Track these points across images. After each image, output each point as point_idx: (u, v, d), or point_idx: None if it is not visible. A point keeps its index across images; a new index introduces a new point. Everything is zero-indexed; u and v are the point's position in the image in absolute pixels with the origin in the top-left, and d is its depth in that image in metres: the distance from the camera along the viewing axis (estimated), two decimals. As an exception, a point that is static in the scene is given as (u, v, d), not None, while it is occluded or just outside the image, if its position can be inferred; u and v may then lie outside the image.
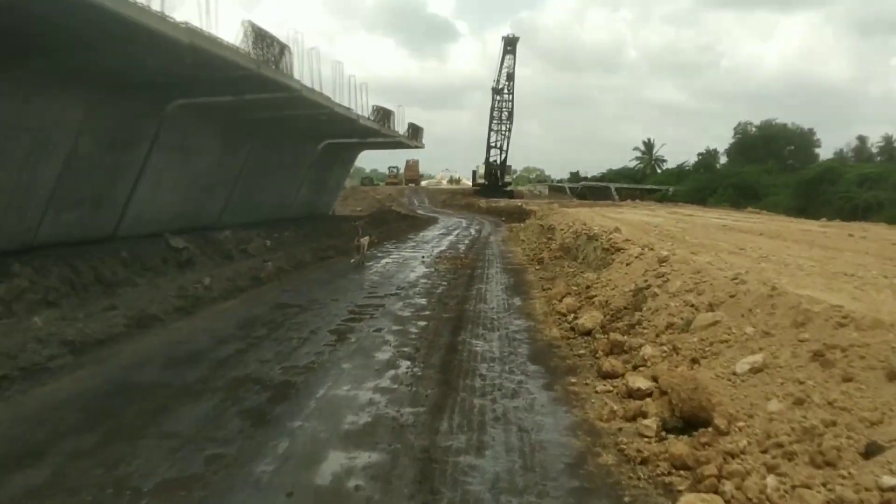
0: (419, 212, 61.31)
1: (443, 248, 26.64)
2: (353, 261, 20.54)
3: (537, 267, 20.07)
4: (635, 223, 26.89)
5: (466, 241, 29.85)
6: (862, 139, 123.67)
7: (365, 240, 21.33)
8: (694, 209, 57.81)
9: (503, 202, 66.54)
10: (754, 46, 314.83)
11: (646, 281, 11.50)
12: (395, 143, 42.38)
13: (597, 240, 17.47)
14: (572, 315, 12.15)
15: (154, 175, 24.87)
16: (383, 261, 21.75)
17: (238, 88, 23.56)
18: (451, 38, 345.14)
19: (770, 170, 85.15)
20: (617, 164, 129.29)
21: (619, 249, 15.06)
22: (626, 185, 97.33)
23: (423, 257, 22.87)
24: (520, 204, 56.39)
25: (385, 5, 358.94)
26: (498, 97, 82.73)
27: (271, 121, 30.73)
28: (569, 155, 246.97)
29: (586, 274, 15.08)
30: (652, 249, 14.15)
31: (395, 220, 40.14)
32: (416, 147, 45.53)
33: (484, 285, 16.67)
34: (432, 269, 19.61)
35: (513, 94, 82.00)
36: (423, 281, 17.29)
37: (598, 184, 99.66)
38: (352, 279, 17.41)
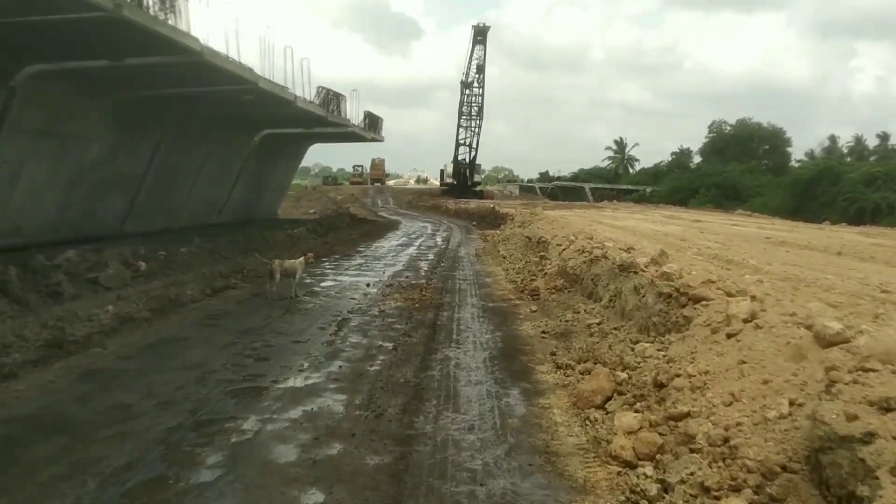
0: (381, 214, 54.26)
1: (399, 267, 19.66)
2: (271, 287, 13.68)
3: (532, 307, 13.18)
4: (649, 234, 20.14)
5: (430, 257, 22.88)
6: (833, 139, 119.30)
7: (295, 261, 14.32)
8: (680, 211, 51.55)
9: (473, 203, 59.61)
10: (718, 47, 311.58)
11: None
12: (349, 135, 35.31)
13: (637, 274, 10.54)
14: (654, 471, 5.34)
15: (8, 169, 17.69)
16: (313, 289, 14.69)
17: (113, 47, 16.41)
18: (417, 37, 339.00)
19: (752, 169, 79.39)
20: (584, 164, 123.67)
21: (696, 300, 8.16)
22: (600, 186, 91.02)
23: (368, 285, 15.87)
24: (491, 206, 49.58)
25: (349, 2, 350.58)
26: (467, 91, 75.78)
27: (184, 101, 23.53)
28: (536, 155, 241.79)
29: (641, 345, 8.17)
30: (756, 300, 7.35)
31: (348, 227, 33.04)
32: (375, 140, 38.51)
33: (454, 352, 9.71)
34: (375, 312, 12.62)
35: (483, 87, 75.11)
36: (351, 341, 10.29)
37: (572, 184, 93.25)
38: (223, 346, 10.26)
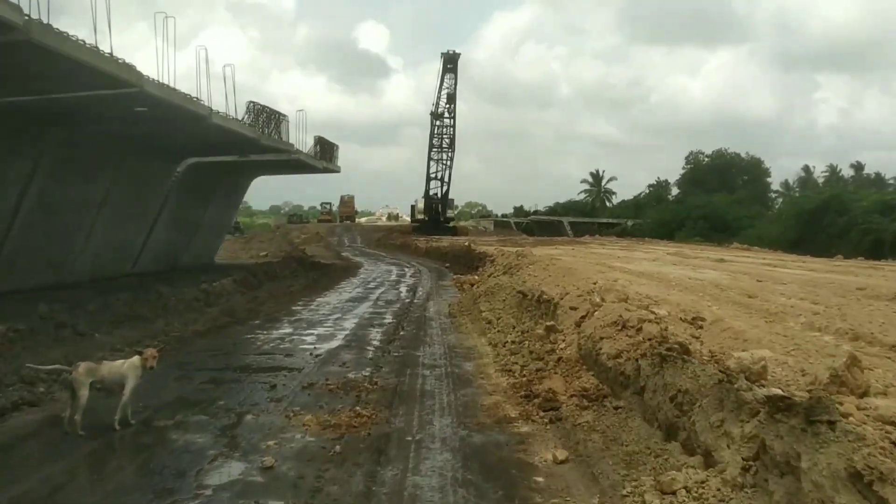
0: (344, 255, 47.75)
1: (337, 342, 13.17)
2: (72, 414, 7.27)
3: (557, 451, 6.69)
4: (692, 286, 13.84)
5: (388, 319, 16.42)
6: (807, 169, 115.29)
7: (121, 364, 7.80)
8: (678, 246, 45.72)
9: (446, 241, 53.30)
10: (683, 81, 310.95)
11: None
12: (295, 164, 28.89)
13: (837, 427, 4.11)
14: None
15: None
16: (167, 402, 8.22)
17: None
18: (384, 75, 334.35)
19: (740, 199, 74.11)
20: (557, 198, 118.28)
21: None
22: (579, 220, 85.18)
23: (272, 387, 9.35)
24: (466, 243, 43.39)
25: (315, 41, 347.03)
26: (438, 122, 70.09)
27: (56, 115, 17.08)
28: (508, 189, 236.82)
29: None
30: None
31: (293, 274, 26.53)
32: (328, 170, 32.12)
33: None
34: (250, 472, 6.17)
35: (454, 117, 69.45)
36: None
37: (549, 218, 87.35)
38: None
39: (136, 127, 20.06)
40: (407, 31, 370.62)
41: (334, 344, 12.87)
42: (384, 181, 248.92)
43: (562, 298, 12.44)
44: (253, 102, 23.45)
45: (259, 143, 22.75)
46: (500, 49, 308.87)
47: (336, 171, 33.02)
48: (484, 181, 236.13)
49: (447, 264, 35.83)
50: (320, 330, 14.62)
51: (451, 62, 67.82)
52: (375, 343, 12.99)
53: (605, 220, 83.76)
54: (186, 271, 27.80)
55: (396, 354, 11.86)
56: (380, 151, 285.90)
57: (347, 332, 14.41)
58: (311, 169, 30.70)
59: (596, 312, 10.43)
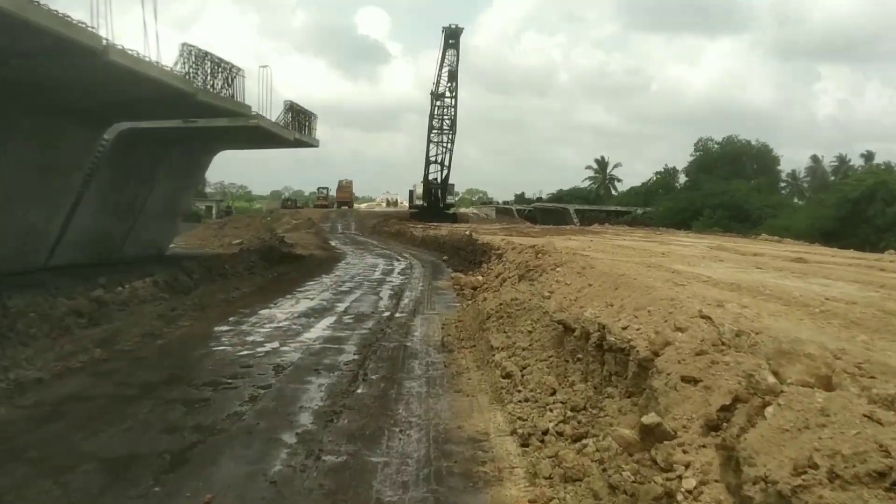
0: (332, 243, 41.59)
1: (235, 420, 7.07)
2: None
3: None
4: (843, 313, 7.72)
5: (345, 359, 10.16)
6: (816, 159, 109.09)
7: None
8: (699, 237, 39.69)
9: (445, 228, 47.20)
10: (683, 70, 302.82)
11: None
12: (262, 135, 22.65)
13: None
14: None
15: None
16: None
17: None
18: (384, 61, 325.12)
19: (760, 187, 67.92)
20: (556, 186, 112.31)
21: None
22: (585, 207, 78.91)
23: None
24: (467, 232, 37.30)
25: (313, 25, 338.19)
26: (438, 103, 63.80)
27: None
28: (507, 177, 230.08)
29: None
30: None
31: (248, 271, 20.35)
32: (302, 143, 25.91)
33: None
34: None
35: (456, 96, 63.16)
36: None
37: (554, 205, 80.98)
38: None
39: (18, 72, 13.91)
40: (407, 17, 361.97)
41: (230, 425, 6.75)
42: (385, 167, 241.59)
43: (658, 351, 6.27)
44: (190, 45, 17.27)
45: (194, 97, 16.51)
46: (499, 36, 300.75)
47: (313, 144, 26.82)
48: (483, 169, 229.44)
49: (445, 257, 29.69)
50: (226, 379, 8.50)
51: (452, 37, 61.44)
52: (302, 425, 6.85)
53: (613, 208, 77.54)
54: (126, 264, 21.71)
55: (331, 462, 5.76)
56: (380, 137, 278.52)
57: (270, 386, 8.28)
58: (282, 141, 24.47)
59: (770, 411, 4.30)
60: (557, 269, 14.12)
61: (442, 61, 61.91)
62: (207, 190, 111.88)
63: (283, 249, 28.79)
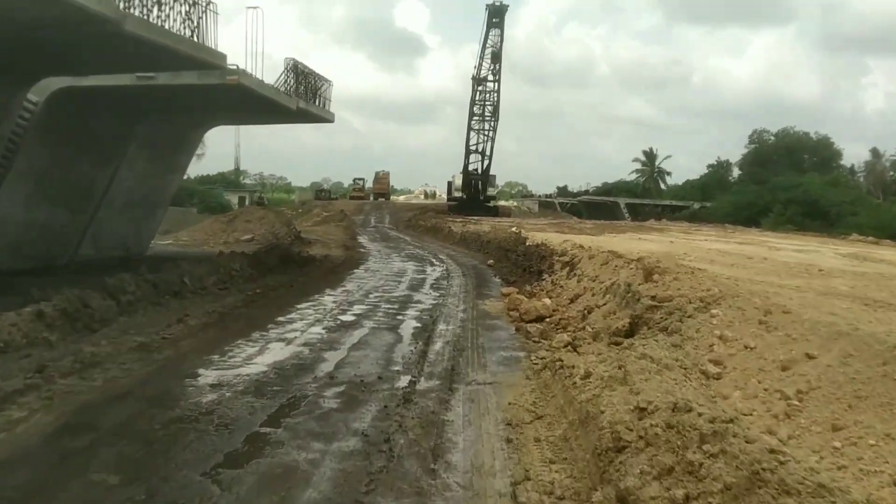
0: (360, 239, 35.51)
1: None
2: None
3: None
4: None
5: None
6: (876, 153, 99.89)
7: None
8: (790, 237, 32.99)
9: (486, 223, 40.90)
10: (725, 62, 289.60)
11: None
12: (254, 102, 16.50)
13: None
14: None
15: None
16: None
17: None
18: (421, 53, 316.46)
19: (836, 181, 60.17)
20: (593, 179, 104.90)
21: None
22: (637, 201, 71.72)
23: None
24: (515, 230, 30.96)
25: (352, 18, 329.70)
26: (480, 87, 57.26)
27: None
28: (544, 170, 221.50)
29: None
30: None
31: (220, 289, 14.12)
32: (309, 115, 19.70)
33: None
34: None
35: (499, 80, 56.55)
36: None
37: (603, 199, 73.82)
38: None
39: None
40: (445, 10, 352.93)
41: None
42: (423, 160, 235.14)
43: None
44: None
45: (119, 27, 10.36)
46: (537, 28, 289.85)
47: (327, 118, 20.53)
48: (521, 161, 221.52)
49: (490, 260, 23.31)
50: None
51: (496, 15, 54.80)
52: None
53: (667, 203, 70.22)
54: (72, 271, 15.88)
55: None
56: (419, 130, 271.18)
57: None
58: (282, 112, 18.24)
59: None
60: (709, 308, 7.66)
61: (485, 42, 55.40)
62: (246, 181, 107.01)
63: (292, 249, 22.72)
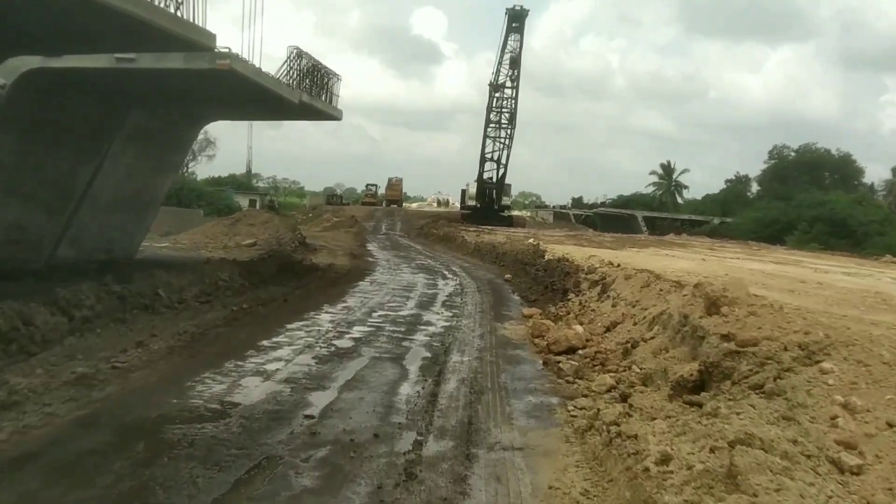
0: (369, 247, 33.66)
1: None
2: None
3: None
4: None
5: None
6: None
7: None
8: (817, 256, 30.88)
9: (501, 234, 39.00)
10: (741, 77, 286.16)
11: None
12: (251, 93, 14.65)
13: None
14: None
15: None
16: None
17: None
18: (437, 61, 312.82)
19: (863, 199, 57.81)
20: (606, 191, 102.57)
21: None
22: (655, 214, 69.58)
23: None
24: (533, 242, 29.04)
25: (368, 24, 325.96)
26: (497, 94, 55.35)
27: None
28: (557, 181, 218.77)
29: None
30: None
31: (201, 303, 12.24)
32: (319, 113, 17.88)
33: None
34: None
35: (517, 87, 54.66)
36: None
37: (620, 212, 71.69)
38: None
39: None
40: (462, 19, 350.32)
41: None
42: (437, 168, 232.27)
43: None
44: None
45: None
46: (553, 39, 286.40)
47: (334, 115, 18.63)
48: (534, 172, 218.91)
49: (507, 275, 21.34)
50: None
51: (516, 20, 52.95)
52: None
53: (686, 217, 68.01)
54: (42, 279, 14.06)
55: None
56: (433, 137, 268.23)
57: None
58: (283, 107, 16.38)
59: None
60: (816, 359, 5.68)
61: (503, 48, 53.52)
62: (259, 184, 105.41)
63: (293, 257, 20.86)
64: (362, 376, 8.21)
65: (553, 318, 13.24)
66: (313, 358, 8.95)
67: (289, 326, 10.96)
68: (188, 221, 37.31)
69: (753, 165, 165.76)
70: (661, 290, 10.90)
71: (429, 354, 9.66)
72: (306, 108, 16.92)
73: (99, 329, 9.41)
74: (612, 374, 8.50)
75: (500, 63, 54.23)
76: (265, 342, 9.69)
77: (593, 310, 12.38)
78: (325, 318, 12.11)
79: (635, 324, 10.26)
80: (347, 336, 10.57)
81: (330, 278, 18.12)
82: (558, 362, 9.50)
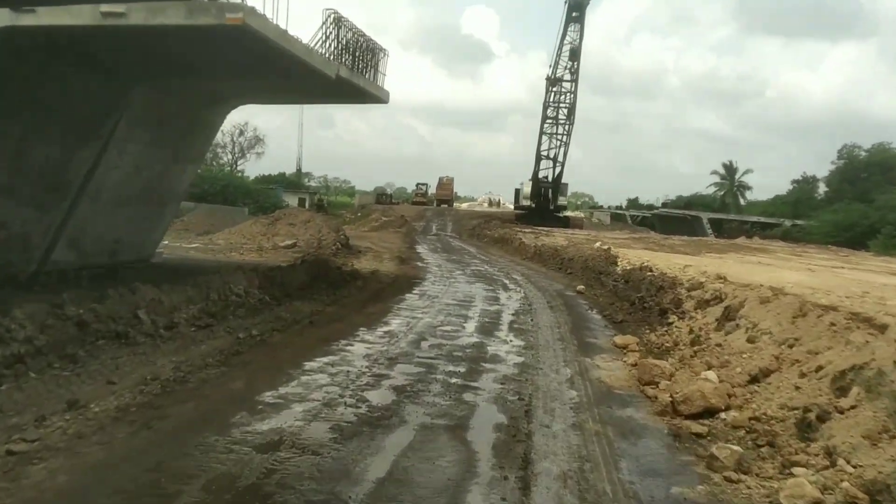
0: (418, 249, 30.67)
1: None
2: None
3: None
4: None
5: None
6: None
7: None
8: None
9: (560, 236, 35.69)
10: (801, 76, 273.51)
11: None
12: (275, 63, 11.60)
13: None
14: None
15: None
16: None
17: None
18: (488, 60, 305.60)
19: (955, 202, 52.50)
20: (660, 192, 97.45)
21: None
22: (722, 216, 65.03)
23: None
24: (597, 244, 25.63)
25: (419, 23, 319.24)
26: (555, 88, 51.81)
27: None
28: (611, 182, 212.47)
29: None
30: None
31: (200, 328, 9.28)
32: (361, 93, 14.74)
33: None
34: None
35: (577, 80, 51.00)
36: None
37: (683, 213, 67.18)
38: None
39: None
40: (514, 18, 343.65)
41: None
42: (487, 168, 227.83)
43: None
44: None
45: None
46: (606, 38, 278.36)
47: (379, 97, 15.37)
48: (585, 172, 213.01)
49: (579, 286, 17.94)
50: None
51: (576, 9, 49.23)
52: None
53: (754, 219, 63.29)
54: (22, 289, 11.46)
55: None
56: (483, 138, 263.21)
57: None
58: (317, 83, 13.40)
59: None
60: None
61: (562, 38, 49.88)
62: (311, 183, 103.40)
63: (331, 263, 17.91)
64: (404, 470, 5.07)
65: (657, 350, 9.96)
66: (331, 429, 5.83)
67: (307, 366, 7.88)
68: (231, 220, 34.76)
69: (814, 166, 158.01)
70: (832, 324, 7.51)
71: (503, 419, 6.48)
72: (345, 87, 13.86)
73: (34, 373, 6.49)
74: (802, 470, 5.22)
75: (558, 55, 50.70)
76: (268, 396, 6.63)
77: (718, 345, 9.01)
78: (360, 350, 8.99)
79: (803, 376, 6.89)
80: (386, 383, 7.44)
81: (372, 289, 15.04)
82: (698, 436, 6.25)
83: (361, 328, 10.42)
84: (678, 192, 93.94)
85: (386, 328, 10.65)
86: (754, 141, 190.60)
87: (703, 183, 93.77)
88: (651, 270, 16.90)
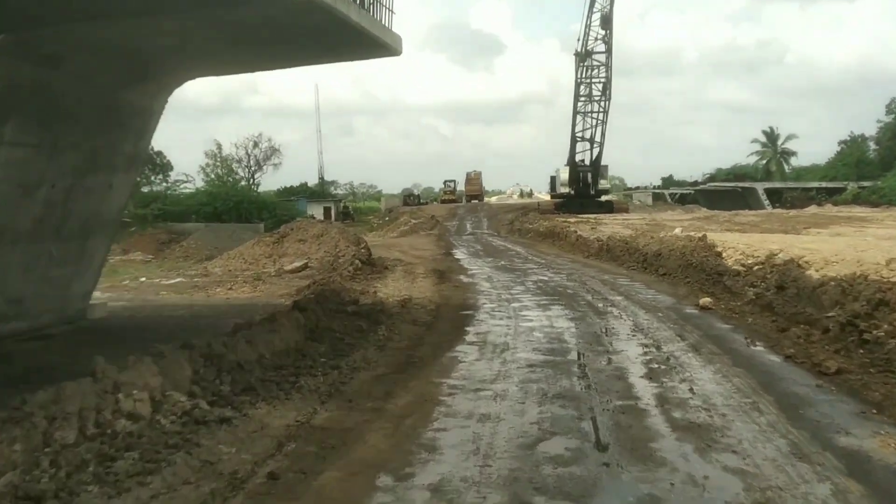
0: (456, 255, 24.98)
1: None
2: None
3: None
4: None
5: None
6: None
7: None
8: None
9: (616, 224, 29.95)
10: (820, 39, 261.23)
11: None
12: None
13: None
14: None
15: None
16: None
17: None
18: (501, 52, 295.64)
19: None
20: (688, 169, 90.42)
21: None
22: (780, 185, 58.34)
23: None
24: (676, 230, 19.80)
25: (429, 22, 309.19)
26: (585, 63, 45.83)
27: None
28: (635, 162, 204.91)
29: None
30: None
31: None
32: (364, 37, 8.88)
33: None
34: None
35: (610, 50, 44.89)
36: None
37: (733, 186, 60.47)
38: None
39: None
40: (525, 8, 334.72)
41: None
42: (510, 160, 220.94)
43: None
44: None
45: None
46: (620, 18, 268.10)
47: (383, 43, 9.77)
48: (608, 154, 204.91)
49: (703, 299, 12.03)
50: None
51: (605, -29, 43.25)
52: None
53: (816, 185, 56.49)
54: None
55: None
56: (503, 131, 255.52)
57: None
58: (300, 30, 7.80)
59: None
60: None
61: (591, 6, 43.83)
62: (337, 191, 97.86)
63: (345, 295, 12.28)
64: None
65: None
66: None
67: None
68: (240, 240, 29.31)
69: (845, 127, 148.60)
70: None
71: None
72: (332, 27, 8.19)
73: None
74: None
75: (588, 26, 44.65)
76: None
77: None
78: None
79: None
80: None
81: (401, 345, 9.20)
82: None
83: (381, 475, 4.71)
84: (705, 167, 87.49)
85: (432, 467, 4.92)
86: (780, 108, 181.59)
87: (729, 155, 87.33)
88: (806, 267, 11.05)
